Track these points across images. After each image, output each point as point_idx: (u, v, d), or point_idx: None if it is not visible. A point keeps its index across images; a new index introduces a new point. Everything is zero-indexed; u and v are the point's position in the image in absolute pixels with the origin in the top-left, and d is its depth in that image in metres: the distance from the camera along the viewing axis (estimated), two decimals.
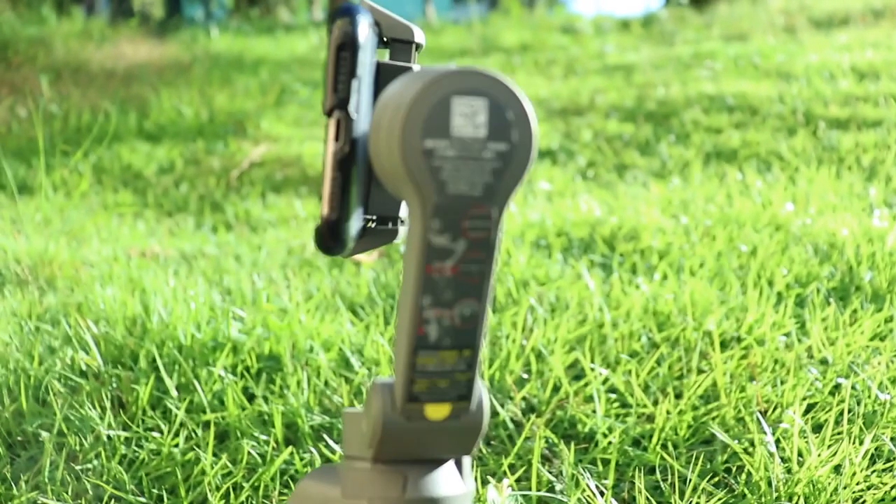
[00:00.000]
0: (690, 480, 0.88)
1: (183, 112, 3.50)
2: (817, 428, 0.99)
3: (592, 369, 1.08)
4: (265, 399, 1.10)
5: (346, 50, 0.39)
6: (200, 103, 3.68)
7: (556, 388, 1.08)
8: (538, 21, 6.69)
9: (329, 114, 0.39)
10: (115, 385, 1.15)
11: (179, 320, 1.25)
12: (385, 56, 0.46)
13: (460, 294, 0.39)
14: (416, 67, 0.45)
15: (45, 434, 1.04)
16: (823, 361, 1.14)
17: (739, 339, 1.19)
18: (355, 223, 0.41)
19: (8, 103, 3.59)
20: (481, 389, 0.42)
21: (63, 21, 5.94)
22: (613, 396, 1.06)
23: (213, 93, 3.95)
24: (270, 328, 1.23)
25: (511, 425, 1.01)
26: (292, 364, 1.16)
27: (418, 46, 0.47)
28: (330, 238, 0.40)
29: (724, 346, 1.17)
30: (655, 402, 1.04)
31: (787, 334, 1.20)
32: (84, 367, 1.18)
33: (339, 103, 0.39)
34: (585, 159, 2.48)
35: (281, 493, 0.94)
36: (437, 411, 0.40)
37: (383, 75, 0.44)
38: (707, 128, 2.65)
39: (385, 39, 0.45)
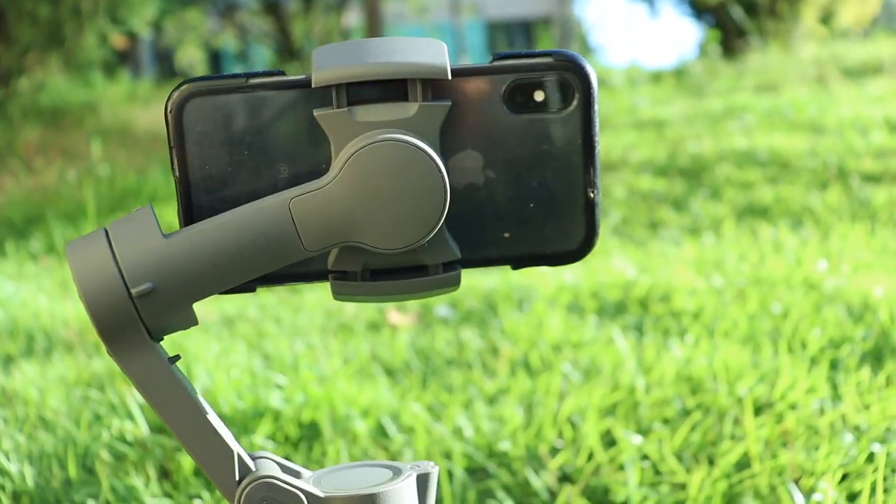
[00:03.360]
0: None
1: None
2: (852, 497, 0.99)
3: (625, 438, 1.10)
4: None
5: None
6: None
7: (589, 457, 1.09)
8: None
9: None
10: (159, 453, 1.19)
11: (221, 389, 1.29)
12: None
13: None
14: None
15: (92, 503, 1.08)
16: (858, 428, 1.14)
17: (772, 405, 1.20)
18: None
19: (57, 166, 3.72)
20: None
21: (110, 84, 6.15)
22: (647, 465, 1.07)
23: None
24: (309, 396, 1.26)
25: (546, 495, 1.02)
26: (331, 432, 1.19)
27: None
28: None
29: (757, 411, 1.18)
30: (688, 470, 1.05)
31: (822, 399, 1.20)
32: (130, 439, 1.22)
33: None
34: (619, 215, 2.50)
35: None
36: None
37: None
38: (739, 183, 2.66)
39: None
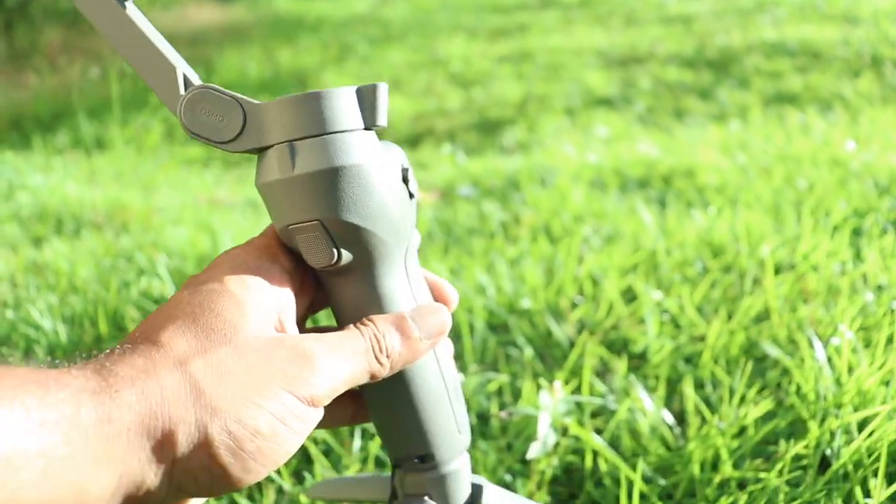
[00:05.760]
0: (739, 392, 0.90)
1: (247, 69, 3.58)
2: (869, 345, 0.99)
3: (645, 292, 1.10)
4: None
5: None
6: (264, 61, 3.75)
7: (609, 311, 1.10)
8: None
9: None
10: None
11: None
12: None
13: None
14: None
15: None
16: (879, 288, 1.14)
17: (793, 266, 1.20)
18: None
19: (80, 66, 3.70)
20: None
21: None
22: (666, 318, 1.08)
23: (277, 51, 4.02)
24: None
25: (566, 344, 1.04)
26: None
27: None
28: None
29: (777, 272, 1.18)
30: (708, 323, 1.06)
31: (843, 262, 1.20)
32: (157, 295, 1.25)
33: None
34: (644, 105, 2.47)
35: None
36: None
37: None
38: (768, 73, 2.61)
39: None
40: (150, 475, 0.33)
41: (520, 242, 1.34)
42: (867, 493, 0.74)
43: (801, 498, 0.73)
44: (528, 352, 1.02)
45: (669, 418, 0.89)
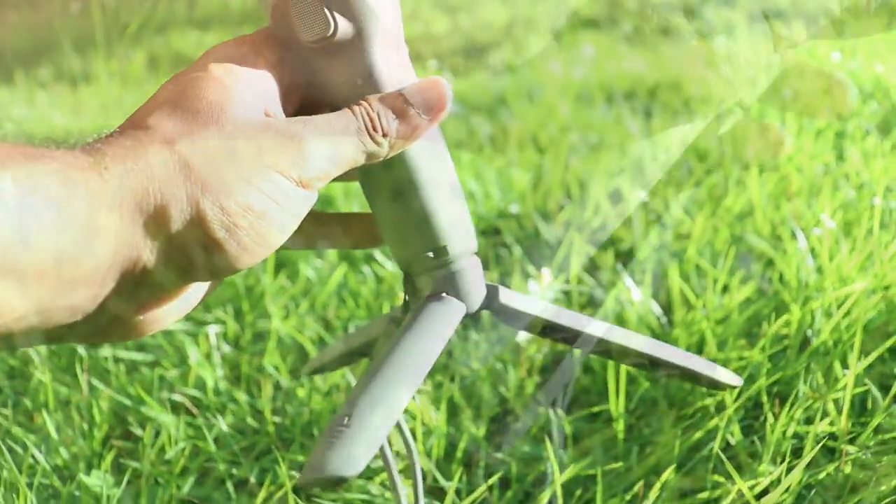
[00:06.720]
0: (722, 281, 0.93)
1: (229, 0, 3.54)
2: (849, 236, 1.02)
3: (632, 192, 1.12)
4: None
5: None
6: None
7: (596, 212, 1.12)
8: None
9: None
10: None
11: None
12: None
13: None
14: None
15: None
16: (861, 186, 1.16)
17: (777, 168, 1.22)
18: None
19: (59, 1, 3.65)
20: None
21: None
22: (652, 217, 1.10)
23: None
24: None
25: (554, 242, 1.06)
26: (343, 201, 1.22)
27: None
28: None
29: (761, 173, 1.20)
30: (692, 222, 1.08)
31: (826, 164, 1.22)
32: None
33: None
34: (630, 25, 2.46)
35: (337, 309, 1.01)
36: None
37: None
38: None
39: None
40: (146, 251, 0.33)
41: (507, 152, 1.35)
42: (846, 367, 0.77)
43: (782, 372, 0.76)
44: (517, 251, 1.04)
45: (657, 309, 0.91)
